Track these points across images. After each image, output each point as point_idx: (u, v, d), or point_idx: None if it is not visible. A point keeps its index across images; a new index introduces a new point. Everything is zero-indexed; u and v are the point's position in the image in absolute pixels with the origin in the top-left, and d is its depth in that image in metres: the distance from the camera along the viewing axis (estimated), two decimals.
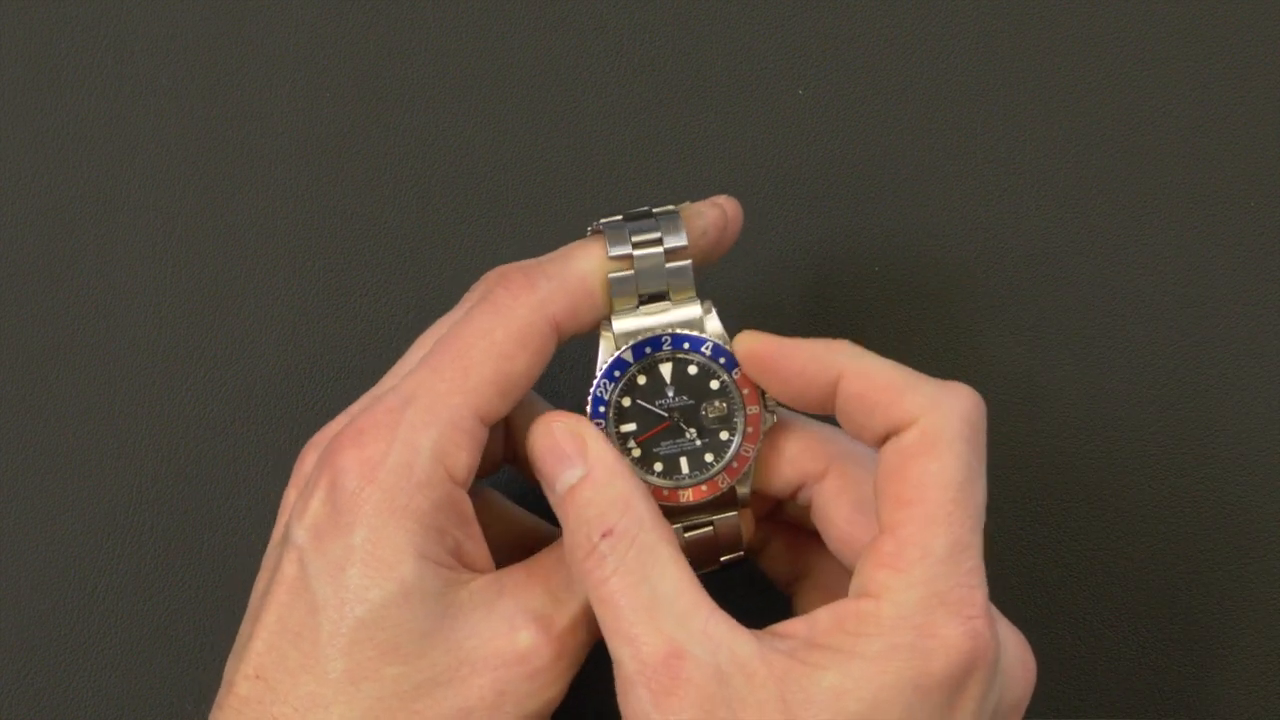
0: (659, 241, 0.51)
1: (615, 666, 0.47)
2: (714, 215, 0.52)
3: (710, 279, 0.60)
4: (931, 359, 0.60)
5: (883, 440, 0.49)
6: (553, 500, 0.50)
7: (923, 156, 0.61)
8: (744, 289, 0.60)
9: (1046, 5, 0.62)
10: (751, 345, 0.50)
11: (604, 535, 0.48)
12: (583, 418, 0.50)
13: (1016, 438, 0.60)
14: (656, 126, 0.61)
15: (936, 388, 0.48)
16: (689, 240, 0.51)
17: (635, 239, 0.51)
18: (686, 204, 0.52)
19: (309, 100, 0.61)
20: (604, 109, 0.61)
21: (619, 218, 0.51)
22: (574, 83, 0.61)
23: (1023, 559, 0.60)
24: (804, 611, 0.51)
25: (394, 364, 0.59)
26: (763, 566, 0.55)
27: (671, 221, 0.51)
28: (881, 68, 0.61)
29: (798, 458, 0.52)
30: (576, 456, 0.49)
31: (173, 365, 0.60)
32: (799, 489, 0.52)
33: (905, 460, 0.48)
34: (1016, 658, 0.49)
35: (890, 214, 0.61)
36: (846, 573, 0.53)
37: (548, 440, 0.49)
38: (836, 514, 0.51)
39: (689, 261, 0.51)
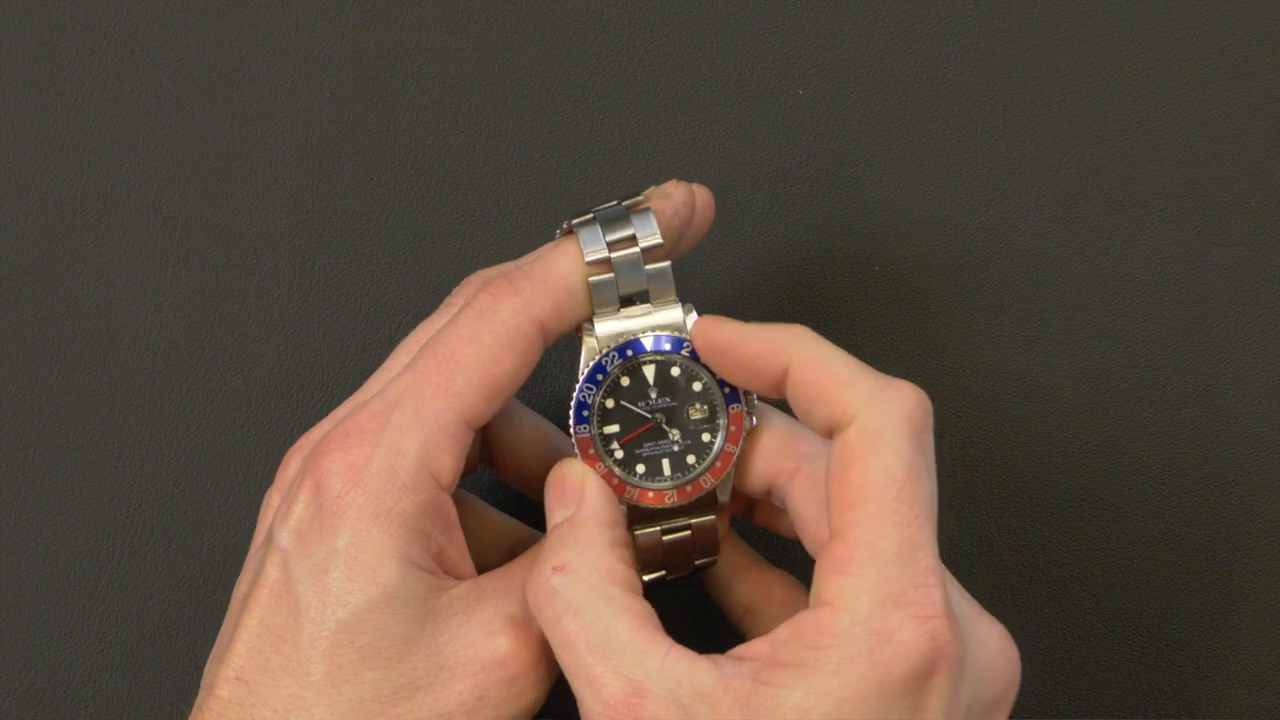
0: (633, 240, 0.51)
1: (579, 707, 0.47)
2: (681, 193, 0.52)
3: (707, 278, 0.60)
4: (931, 358, 0.60)
5: (827, 433, 0.49)
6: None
7: (923, 156, 0.61)
8: (742, 287, 0.60)
9: (1046, 5, 0.62)
10: (708, 331, 0.50)
11: (554, 570, 0.48)
12: (591, 471, 0.51)
13: (1016, 438, 0.60)
14: (656, 126, 0.61)
15: (877, 385, 0.48)
16: (663, 232, 0.51)
17: (609, 238, 0.51)
18: (652, 188, 0.52)
19: (309, 100, 0.61)
20: (604, 109, 0.61)
21: (589, 216, 0.51)
22: (574, 83, 0.61)
23: (1023, 559, 0.60)
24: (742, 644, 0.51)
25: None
26: (714, 596, 0.55)
27: (644, 218, 0.51)
28: (881, 67, 0.61)
29: (770, 454, 0.52)
30: (572, 499, 0.50)
31: (173, 365, 0.60)
32: (772, 487, 0.52)
33: (847, 462, 0.47)
34: (996, 651, 0.49)
35: (890, 214, 0.61)
36: (795, 605, 0.53)
37: (556, 478, 0.51)
38: (807, 513, 0.51)
39: (669, 263, 0.51)
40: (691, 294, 0.52)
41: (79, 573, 0.59)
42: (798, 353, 0.49)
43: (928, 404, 0.48)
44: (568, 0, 0.61)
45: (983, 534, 0.60)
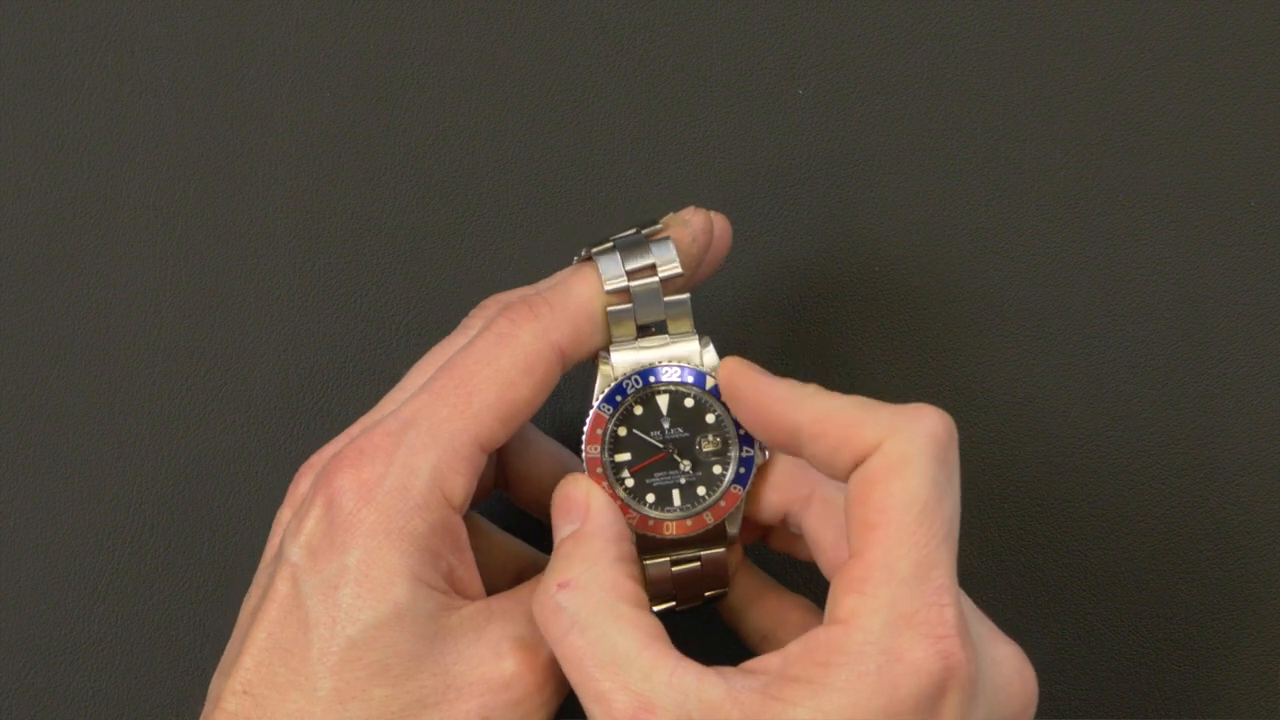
0: (652, 269, 0.51)
1: None
2: (699, 220, 0.52)
3: (709, 278, 0.60)
4: (932, 359, 0.60)
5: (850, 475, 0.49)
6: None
7: (923, 156, 0.61)
8: (743, 288, 0.60)
9: (1046, 5, 0.61)
10: (730, 373, 0.50)
11: (560, 586, 0.48)
12: (595, 485, 0.51)
13: (1016, 437, 0.60)
14: (656, 126, 0.61)
15: (895, 413, 0.48)
16: (682, 261, 0.51)
17: (629, 267, 0.51)
18: (670, 215, 0.52)
19: (309, 100, 0.61)
20: (604, 109, 0.61)
21: (609, 244, 0.51)
22: (574, 83, 0.61)
23: (1023, 559, 0.60)
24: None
25: (392, 365, 0.59)
26: (729, 622, 0.55)
27: (663, 246, 0.51)
28: (881, 67, 0.61)
29: (783, 483, 0.52)
30: (576, 514, 0.50)
31: (173, 365, 0.60)
32: (787, 515, 0.52)
33: (870, 484, 0.47)
34: (1011, 672, 0.48)
35: (890, 214, 0.61)
36: (808, 630, 0.53)
37: (562, 493, 0.51)
38: (823, 540, 0.51)
39: (688, 295, 0.51)
40: (698, 329, 0.52)
41: (79, 573, 0.59)
42: (808, 410, 0.49)
43: (952, 424, 0.48)
44: (568, 0, 0.61)
45: (983, 534, 0.60)
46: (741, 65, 0.61)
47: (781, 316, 0.60)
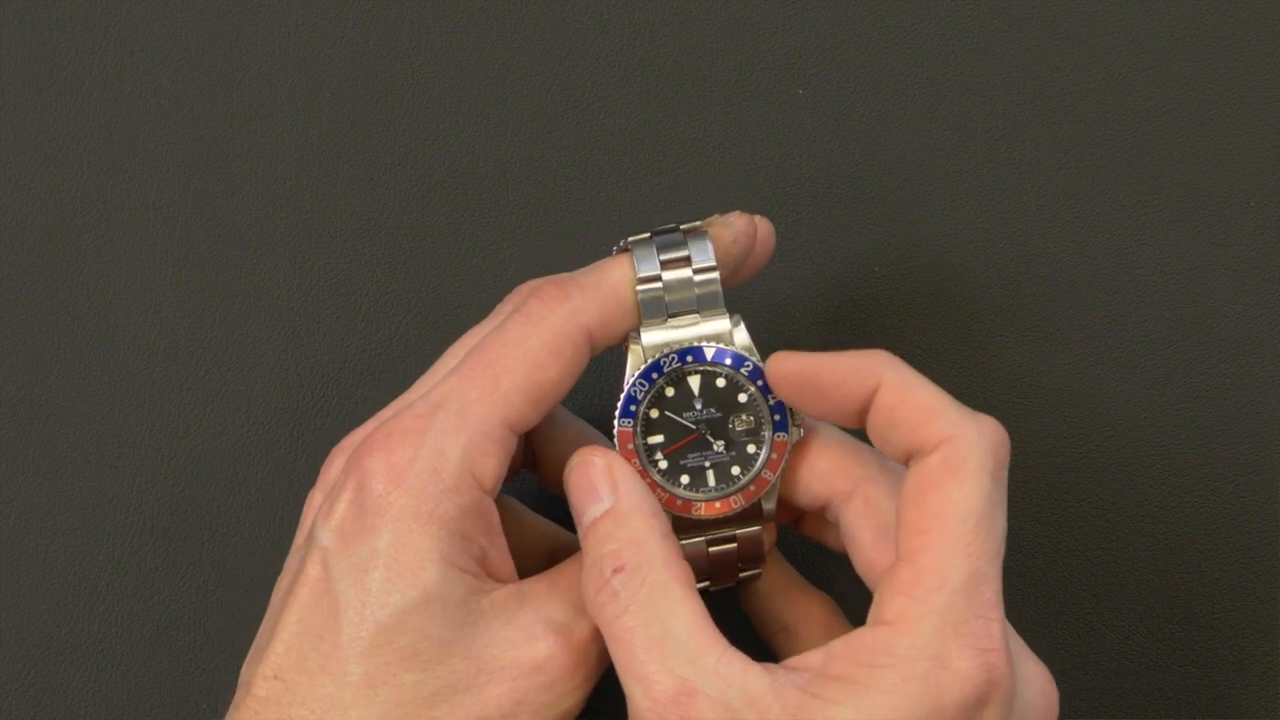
0: (687, 260, 0.51)
1: (628, 703, 0.47)
2: (743, 224, 0.52)
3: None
4: (932, 358, 0.60)
5: (904, 458, 0.49)
6: (580, 533, 0.50)
7: (923, 156, 0.61)
8: (741, 287, 0.60)
9: (1046, 5, 0.62)
10: (787, 366, 0.50)
11: (615, 571, 0.48)
12: (618, 454, 0.50)
13: (1017, 438, 0.60)
14: (657, 126, 0.61)
15: (964, 416, 0.48)
16: (718, 257, 0.51)
17: (663, 258, 0.50)
18: (715, 216, 0.52)
19: (309, 100, 0.61)
20: (604, 109, 0.61)
21: (646, 235, 0.51)
22: (574, 83, 0.61)
23: (1023, 559, 0.60)
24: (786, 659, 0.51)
25: (392, 365, 0.59)
26: (748, 610, 0.55)
27: (699, 240, 0.51)
28: (881, 68, 0.61)
29: (827, 475, 0.51)
30: (604, 491, 0.49)
31: (173, 365, 0.60)
32: (826, 506, 0.52)
33: (927, 488, 0.47)
34: (1038, 690, 0.49)
35: (890, 214, 0.61)
36: (833, 628, 0.53)
37: (581, 474, 0.50)
38: (861, 537, 0.50)
39: (716, 276, 0.51)
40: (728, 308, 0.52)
41: (79, 573, 0.59)
42: (887, 377, 0.49)
43: (1008, 442, 0.48)
44: (568, 0, 0.61)
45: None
46: (741, 65, 0.61)
47: (778, 316, 0.60)
